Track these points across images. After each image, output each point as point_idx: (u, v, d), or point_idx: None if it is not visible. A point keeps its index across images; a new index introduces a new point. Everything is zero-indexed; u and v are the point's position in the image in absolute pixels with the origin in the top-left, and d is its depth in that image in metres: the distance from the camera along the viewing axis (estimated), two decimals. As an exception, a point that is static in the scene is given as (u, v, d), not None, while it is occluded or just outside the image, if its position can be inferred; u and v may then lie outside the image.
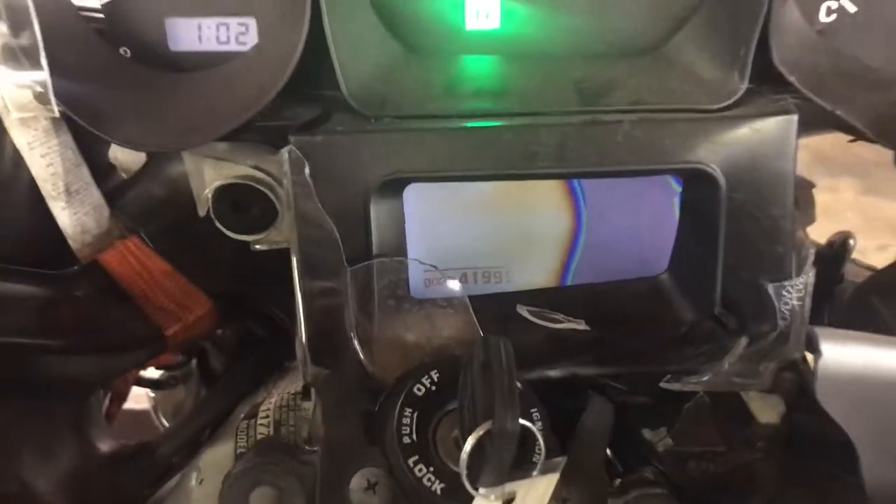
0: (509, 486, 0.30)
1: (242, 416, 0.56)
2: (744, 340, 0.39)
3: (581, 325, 0.40)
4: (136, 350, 0.48)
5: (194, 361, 0.77)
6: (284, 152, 0.37)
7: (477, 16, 0.42)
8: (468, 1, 0.42)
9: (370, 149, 0.38)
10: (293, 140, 0.37)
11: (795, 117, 0.39)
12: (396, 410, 0.33)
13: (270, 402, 0.56)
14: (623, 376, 0.40)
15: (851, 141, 0.43)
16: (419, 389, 0.34)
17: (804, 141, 0.42)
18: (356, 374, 0.38)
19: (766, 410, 0.53)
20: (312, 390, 0.55)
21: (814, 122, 0.41)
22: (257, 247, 0.45)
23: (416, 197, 0.40)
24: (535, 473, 0.30)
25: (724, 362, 0.39)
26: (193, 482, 0.54)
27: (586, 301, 0.42)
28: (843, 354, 0.31)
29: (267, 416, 0.56)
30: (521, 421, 0.29)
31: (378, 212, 0.38)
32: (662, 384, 0.40)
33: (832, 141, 0.49)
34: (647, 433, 0.51)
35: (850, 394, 0.30)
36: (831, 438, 0.37)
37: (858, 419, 0.30)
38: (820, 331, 0.33)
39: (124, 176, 0.49)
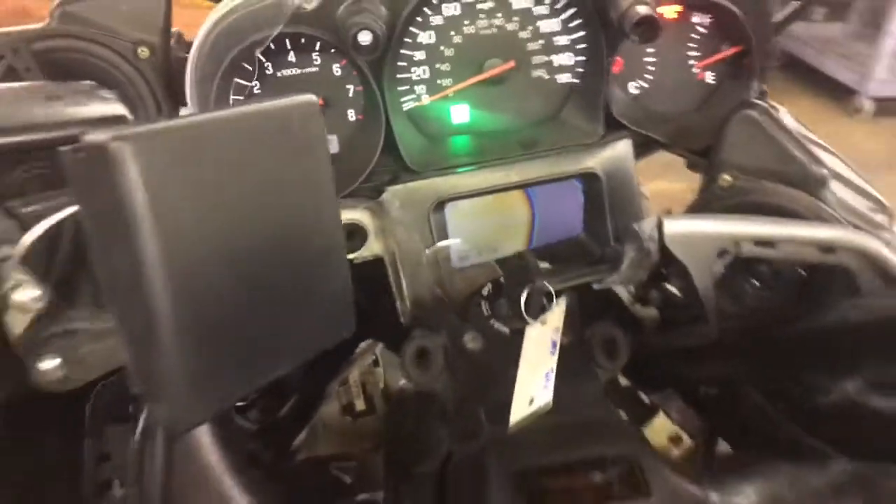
0: (542, 316, 0.64)
1: (336, 385, 0.87)
2: (628, 257, 0.75)
3: (545, 265, 0.75)
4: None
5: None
6: (385, 197, 0.71)
7: (457, 116, 0.78)
8: (452, 109, 0.78)
9: (426, 188, 0.73)
10: (387, 190, 0.72)
11: (630, 140, 0.77)
12: (475, 302, 0.67)
13: (354, 373, 0.88)
14: (571, 286, 0.75)
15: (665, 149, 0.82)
16: (483, 292, 0.68)
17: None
18: (442, 306, 0.71)
19: (648, 317, 0.89)
20: (379, 356, 0.87)
21: (641, 142, 0.79)
22: (355, 261, 0.77)
23: (451, 209, 0.75)
24: (554, 307, 0.64)
25: (621, 270, 0.75)
26: (320, 428, 0.85)
27: (544, 253, 0.77)
28: (676, 224, 0.66)
29: (355, 382, 0.87)
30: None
31: (434, 220, 0.73)
32: (594, 287, 0.75)
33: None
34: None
35: (681, 243, 0.66)
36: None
37: (688, 257, 0.66)
38: (662, 216, 0.69)
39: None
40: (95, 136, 0.35)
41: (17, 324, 0.40)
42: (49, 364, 0.42)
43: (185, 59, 0.76)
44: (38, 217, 0.42)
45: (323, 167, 0.45)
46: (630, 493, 0.56)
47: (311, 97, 0.44)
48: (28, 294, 0.40)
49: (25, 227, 0.42)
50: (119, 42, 0.73)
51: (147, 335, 0.38)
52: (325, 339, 0.46)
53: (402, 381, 0.82)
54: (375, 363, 0.87)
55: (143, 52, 0.74)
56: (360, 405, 0.84)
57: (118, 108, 0.51)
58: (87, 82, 0.58)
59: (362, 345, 0.89)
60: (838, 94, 6.00)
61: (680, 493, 0.57)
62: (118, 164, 0.35)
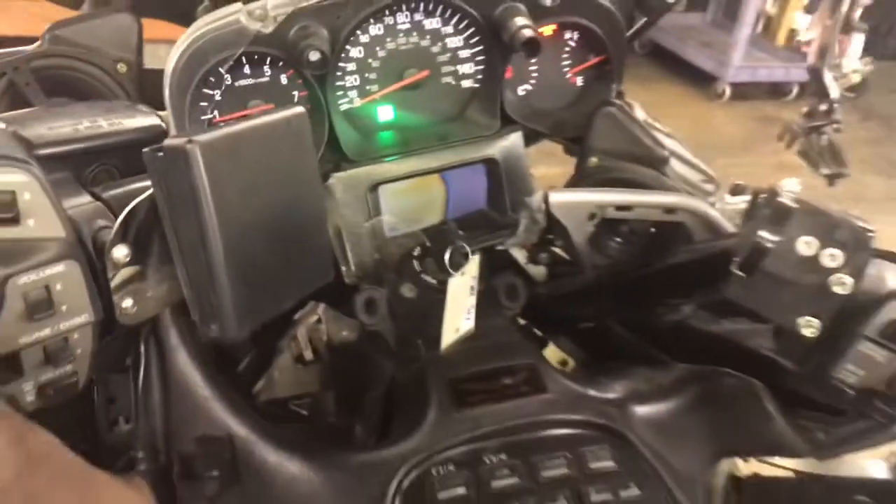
0: (461, 269, 0.84)
1: (287, 341, 1.05)
2: (523, 223, 0.96)
3: (459, 232, 0.95)
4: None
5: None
6: (330, 182, 0.89)
7: (383, 115, 0.97)
8: (378, 109, 0.96)
9: (363, 174, 0.91)
10: (333, 177, 0.90)
11: (520, 132, 0.98)
12: (407, 262, 0.86)
13: (301, 330, 1.05)
14: (480, 247, 0.95)
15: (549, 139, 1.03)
16: (414, 254, 0.87)
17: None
18: (381, 266, 0.90)
19: (538, 273, 1.11)
20: (321, 314, 1.05)
21: (529, 134, 1.00)
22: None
23: (383, 191, 0.93)
24: (470, 262, 0.84)
25: (517, 234, 0.95)
26: (276, 375, 1.02)
27: (457, 223, 0.97)
28: (558, 195, 0.88)
29: (302, 336, 1.05)
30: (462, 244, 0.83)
31: (370, 199, 0.91)
32: (497, 248, 0.95)
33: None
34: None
35: (562, 209, 0.88)
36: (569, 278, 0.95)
37: (567, 219, 0.88)
38: (547, 190, 0.90)
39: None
40: (174, 141, 0.53)
41: (111, 273, 0.57)
42: (127, 302, 0.59)
43: (151, 72, 0.92)
44: (115, 198, 0.58)
45: (311, 156, 0.64)
46: (531, 391, 0.77)
47: (301, 109, 0.63)
48: (121, 252, 0.56)
49: (108, 206, 0.59)
50: (102, 59, 0.89)
51: (206, 278, 0.56)
52: (315, 280, 0.65)
53: (344, 333, 1.01)
54: (318, 322, 1.05)
55: (122, 67, 0.89)
56: (308, 355, 1.01)
57: (155, 119, 0.68)
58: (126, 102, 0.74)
59: (306, 307, 1.07)
60: (699, 79, 6.46)
61: (567, 389, 0.78)
62: (190, 160, 0.53)
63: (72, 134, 0.61)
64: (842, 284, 0.72)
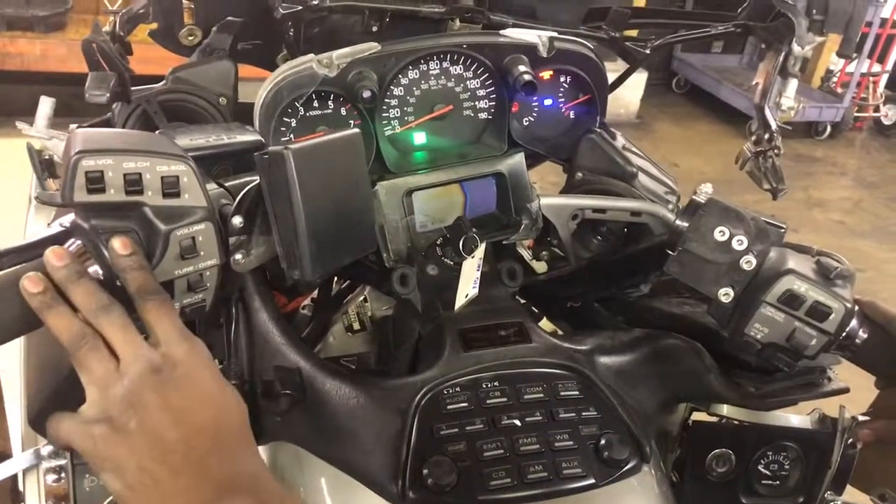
0: (472, 254, 1.12)
1: (340, 314, 1.33)
2: (524, 223, 1.22)
3: (474, 229, 1.23)
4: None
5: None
6: (376, 188, 1.18)
7: (418, 139, 1.26)
8: (414, 135, 1.25)
9: (400, 183, 1.19)
10: (378, 185, 1.18)
11: (523, 153, 1.26)
12: (432, 249, 1.14)
13: (352, 306, 1.34)
14: (490, 241, 1.23)
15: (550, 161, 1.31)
16: (437, 242, 1.15)
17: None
18: (413, 252, 1.18)
19: (539, 267, 1.38)
20: (367, 294, 1.34)
21: (531, 155, 1.28)
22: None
23: (416, 196, 1.22)
24: (479, 248, 1.12)
25: (519, 231, 1.23)
26: (331, 340, 1.31)
27: (472, 222, 1.25)
28: (549, 199, 1.15)
29: (353, 311, 1.33)
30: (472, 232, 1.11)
31: (405, 203, 1.19)
32: (504, 242, 1.23)
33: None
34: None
35: (551, 210, 1.15)
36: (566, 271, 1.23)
37: (555, 218, 1.15)
38: (540, 195, 1.18)
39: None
40: (275, 148, 0.82)
41: (230, 234, 0.86)
42: (238, 255, 0.88)
43: (244, 104, 1.22)
44: (233, 187, 0.88)
45: (362, 162, 0.92)
46: (519, 340, 1.04)
47: (356, 130, 0.92)
48: (237, 220, 0.85)
49: (228, 191, 0.88)
50: (209, 94, 1.19)
51: (293, 238, 0.85)
52: (363, 248, 0.94)
53: (384, 308, 1.30)
54: (365, 300, 1.33)
55: (223, 100, 1.20)
56: (356, 325, 1.30)
57: (257, 136, 0.98)
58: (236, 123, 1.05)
59: (355, 290, 1.35)
60: (734, 118, 6.68)
61: (546, 341, 1.05)
62: (286, 160, 0.82)
63: (204, 143, 0.90)
64: (748, 263, 0.98)
